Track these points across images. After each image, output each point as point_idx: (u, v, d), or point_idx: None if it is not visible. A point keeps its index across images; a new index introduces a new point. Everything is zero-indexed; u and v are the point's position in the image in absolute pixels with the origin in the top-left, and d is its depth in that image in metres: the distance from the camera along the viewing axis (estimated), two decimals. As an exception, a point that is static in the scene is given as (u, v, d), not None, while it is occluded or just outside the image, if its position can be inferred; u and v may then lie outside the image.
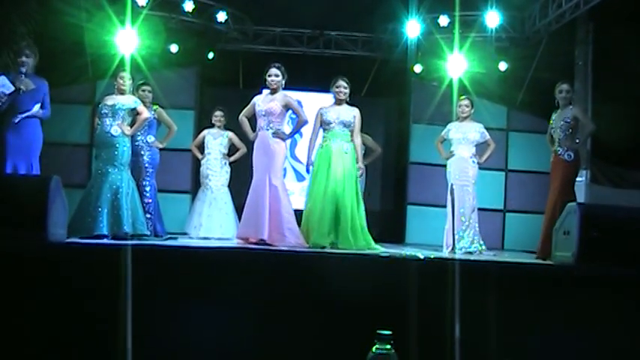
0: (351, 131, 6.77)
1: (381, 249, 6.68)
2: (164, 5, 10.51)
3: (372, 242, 6.70)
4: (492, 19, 10.28)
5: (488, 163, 8.11)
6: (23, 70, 6.09)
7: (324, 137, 6.80)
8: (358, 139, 6.84)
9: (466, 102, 7.70)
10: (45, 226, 4.47)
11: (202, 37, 11.31)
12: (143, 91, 7.32)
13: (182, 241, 7.14)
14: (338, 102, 6.81)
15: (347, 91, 6.80)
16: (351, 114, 6.75)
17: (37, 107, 6.13)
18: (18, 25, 8.01)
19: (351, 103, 6.89)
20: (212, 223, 8.17)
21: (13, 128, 6.04)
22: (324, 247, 6.32)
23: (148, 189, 7.29)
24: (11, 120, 6.02)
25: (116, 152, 6.54)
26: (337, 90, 6.78)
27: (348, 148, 6.68)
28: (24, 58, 6.13)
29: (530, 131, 10.34)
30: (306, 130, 7.22)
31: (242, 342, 4.24)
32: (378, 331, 2.51)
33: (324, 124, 6.79)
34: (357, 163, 6.77)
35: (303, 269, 4.62)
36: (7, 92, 5.92)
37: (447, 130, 7.74)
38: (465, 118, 7.65)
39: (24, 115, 6.05)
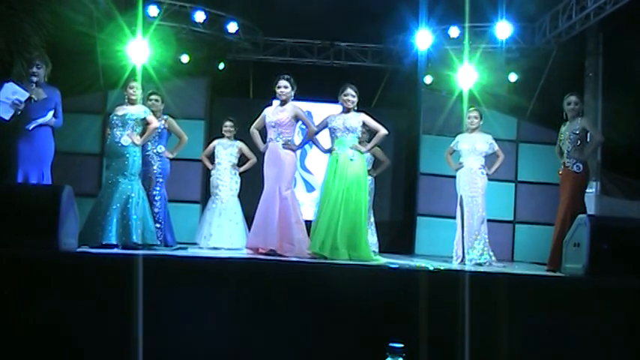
0: (359, 137, 6.70)
1: (382, 260, 6.62)
2: (175, 16, 10.60)
3: (371, 254, 6.65)
4: (503, 30, 10.29)
5: (499, 175, 8.10)
6: (35, 79, 6.11)
7: (332, 146, 6.73)
8: (382, 131, 6.71)
9: (475, 113, 7.70)
10: (56, 235, 4.49)
11: (213, 48, 11.39)
12: (150, 100, 7.32)
13: (192, 251, 7.14)
14: (346, 110, 6.70)
15: (354, 99, 6.67)
16: (357, 119, 6.64)
17: (50, 114, 6.15)
18: (31, 34, 8.05)
19: (358, 111, 6.79)
20: (222, 233, 8.16)
21: (25, 137, 6.05)
22: (317, 256, 6.21)
23: (158, 199, 7.28)
24: (23, 129, 6.03)
25: (126, 162, 6.57)
26: (345, 98, 6.67)
27: (353, 155, 6.58)
28: (35, 69, 6.16)
29: (541, 142, 10.29)
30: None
31: (251, 352, 4.24)
32: (390, 344, 2.51)
33: (331, 132, 6.72)
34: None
35: (313, 280, 4.61)
36: (23, 99, 5.96)
37: (456, 142, 7.74)
38: (474, 129, 7.65)
39: (38, 122, 6.07)
